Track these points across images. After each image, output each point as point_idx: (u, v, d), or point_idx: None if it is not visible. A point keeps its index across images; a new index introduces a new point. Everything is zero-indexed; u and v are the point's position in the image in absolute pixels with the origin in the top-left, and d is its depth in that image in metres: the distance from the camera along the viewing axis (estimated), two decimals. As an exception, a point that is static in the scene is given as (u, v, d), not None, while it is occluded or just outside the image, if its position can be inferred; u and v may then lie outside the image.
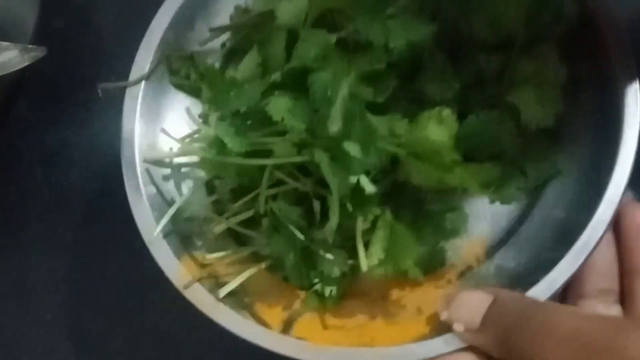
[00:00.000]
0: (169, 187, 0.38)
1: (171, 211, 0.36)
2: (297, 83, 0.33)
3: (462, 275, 0.37)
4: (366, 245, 0.33)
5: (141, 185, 0.37)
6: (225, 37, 0.40)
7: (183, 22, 0.39)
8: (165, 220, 0.36)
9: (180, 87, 0.39)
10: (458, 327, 0.31)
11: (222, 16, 0.40)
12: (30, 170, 0.46)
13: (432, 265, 0.36)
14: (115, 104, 0.46)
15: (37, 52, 0.42)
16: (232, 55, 0.40)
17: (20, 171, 0.46)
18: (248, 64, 0.36)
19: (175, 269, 0.35)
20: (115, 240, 0.43)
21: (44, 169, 0.46)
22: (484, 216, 0.37)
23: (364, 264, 0.33)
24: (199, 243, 0.37)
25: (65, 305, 0.43)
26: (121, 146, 0.37)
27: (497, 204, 0.36)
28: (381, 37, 0.33)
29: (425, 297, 0.35)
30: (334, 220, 0.32)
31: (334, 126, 0.31)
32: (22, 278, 0.44)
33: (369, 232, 0.33)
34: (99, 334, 0.42)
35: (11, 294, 0.44)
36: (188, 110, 0.39)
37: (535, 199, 0.37)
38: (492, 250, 0.37)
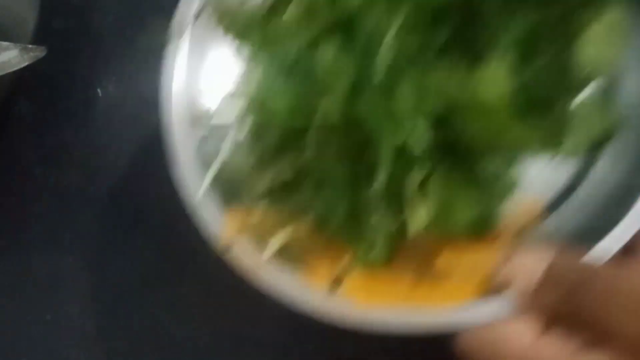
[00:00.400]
0: (210, 147, 0.36)
1: (214, 168, 0.35)
2: (343, 32, 0.32)
3: (516, 237, 0.34)
4: (416, 204, 0.32)
5: (182, 144, 0.35)
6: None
7: None
8: (209, 178, 0.34)
9: (227, 30, 0.37)
10: (514, 289, 0.30)
11: None
12: (29, 170, 0.46)
13: (485, 227, 0.34)
14: (115, 104, 0.47)
15: (37, 52, 0.42)
16: (274, 9, 0.37)
17: (20, 171, 0.46)
18: (292, 11, 0.34)
19: (218, 229, 0.33)
20: (115, 240, 0.43)
21: (43, 169, 0.46)
22: (539, 176, 0.35)
23: (414, 222, 0.31)
24: (242, 203, 0.35)
25: (65, 306, 0.43)
26: (162, 104, 0.36)
27: (553, 163, 0.34)
28: None
29: (478, 259, 0.33)
30: (382, 175, 0.31)
31: (379, 77, 0.29)
32: (22, 278, 0.44)
33: (420, 192, 0.32)
34: (99, 334, 0.42)
35: (11, 294, 0.44)
36: (229, 68, 0.37)
37: (594, 158, 0.35)
38: (547, 211, 0.35)
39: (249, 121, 0.34)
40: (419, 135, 0.30)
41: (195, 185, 0.34)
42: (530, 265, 0.30)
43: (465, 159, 0.34)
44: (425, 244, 0.34)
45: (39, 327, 0.42)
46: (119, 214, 0.44)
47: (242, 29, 0.36)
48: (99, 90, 0.47)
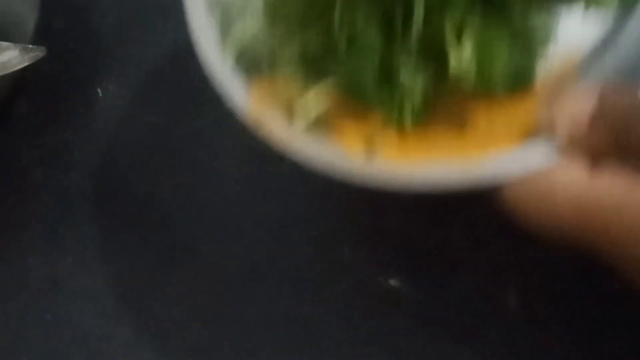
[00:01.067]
0: (234, 19, 0.35)
1: (236, 37, 0.34)
2: None
3: (554, 93, 0.32)
4: (455, 49, 0.31)
5: (205, 17, 0.34)
6: None
7: None
8: (233, 43, 0.33)
9: None
10: (562, 130, 0.28)
11: None
12: (30, 170, 0.46)
13: (522, 81, 0.33)
14: (116, 105, 0.47)
15: (37, 52, 0.42)
16: None
17: (20, 171, 0.46)
18: None
19: (245, 102, 0.32)
20: (115, 240, 0.43)
21: (43, 169, 0.46)
22: (574, 27, 0.33)
23: (455, 66, 0.30)
24: (267, 75, 0.34)
25: (65, 306, 0.43)
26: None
27: (588, 15, 0.32)
28: None
29: (518, 111, 0.32)
30: (417, 20, 0.30)
31: None
32: (22, 278, 0.44)
33: (457, 38, 0.31)
34: (99, 335, 0.42)
35: (11, 294, 0.44)
36: None
37: (630, 9, 0.33)
38: (586, 64, 0.33)
39: None
40: None
41: (218, 61, 0.33)
42: (575, 104, 0.28)
43: (500, 6, 0.32)
44: (461, 100, 0.33)
45: (38, 327, 0.42)
46: (119, 214, 0.44)
47: None
48: (99, 90, 0.47)
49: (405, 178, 0.30)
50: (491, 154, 0.30)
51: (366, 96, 0.33)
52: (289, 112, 0.33)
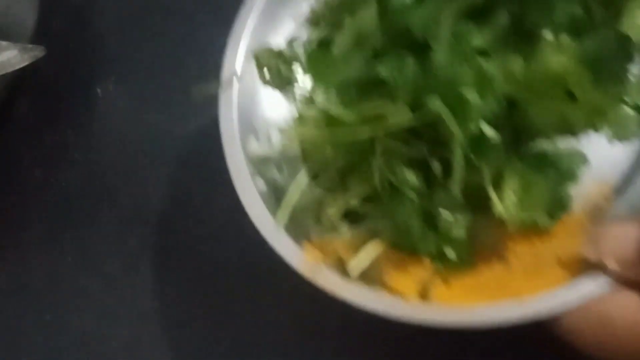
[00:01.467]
0: (276, 178, 0.37)
1: (288, 201, 0.35)
2: (398, 42, 0.32)
3: (592, 217, 0.34)
4: (499, 191, 0.31)
5: (250, 182, 0.35)
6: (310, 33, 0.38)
7: (267, 18, 0.38)
8: (285, 211, 0.34)
9: (270, 83, 0.38)
10: (611, 263, 0.28)
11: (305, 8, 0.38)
12: (29, 170, 0.46)
13: (560, 208, 0.33)
14: (116, 105, 0.47)
15: (36, 52, 0.42)
16: (322, 43, 0.37)
17: (20, 171, 0.46)
18: (343, 38, 0.34)
19: (299, 256, 0.33)
20: (115, 240, 0.43)
21: (43, 169, 0.46)
22: (605, 155, 0.34)
23: (501, 208, 0.31)
24: (314, 229, 0.36)
25: (65, 306, 0.43)
26: (224, 145, 0.37)
27: (617, 142, 0.32)
28: None
29: (559, 244, 0.33)
30: (458, 172, 0.31)
31: (442, 70, 0.30)
32: (22, 278, 0.44)
33: (498, 179, 0.31)
34: (99, 335, 0.42)
35: (11, 294, 0.44)
36: (281, 104, 0.38)
37: None
38: (621, 188, 0.34)
39: (313, 149, 0.34)
40: (489, 118, 0.30)
41: (271, 226, 0.34)
42: (621, 236, 0.29)
43: (533, 140, 0.33)
44: (504, 236, 0.34)
45: (38, 327, 0.42)
46: (118, 214, 0.44)
47: (288, 71, 0.37)
48: (98, 90, 0.47)
49: (459, 317, 0.31)
50: (542, 289, 0.30)
51: (412, 244, 0.34)
52: (341, 263, 0.34)
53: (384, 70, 0.31)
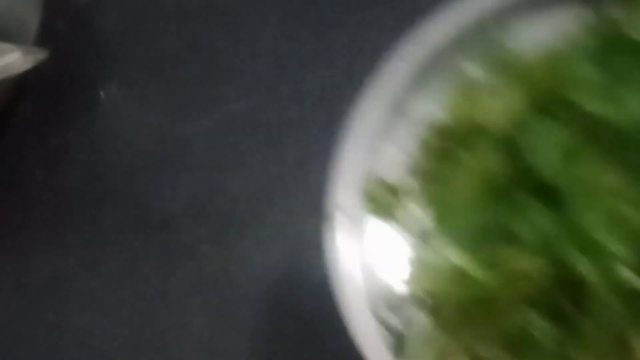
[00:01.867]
0: (393, 319, 0.35)
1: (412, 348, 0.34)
2: (522, 185, 0.31)
3: None
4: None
5: (369, 323, 0.34)
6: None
7: (369, 149, 0.37)
8: None
9: (379, 213, 0.36)
10: None
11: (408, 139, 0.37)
12: (32, 171, 0.46)
13: None
14: (118, 107, 0.47)
15: (39, 54, 0.42)
16: (427, 175, 0.36)
17: (23, 173, 0.46)
18: (465, 179, 0.33)
19: None
20: (117, 240, 0.44)
21: (46, 170, 0.46)
22: None
23: None
24: None
25: (66, 306, 0.43)
26: (338, 285, 0.35)
27: None
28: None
29: None
30: (598, 314, 0.30)
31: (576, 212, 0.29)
32: (24, 279, 0.44)
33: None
34: (99, 335, 0.42)
35: (13, 294, 0.44)
36: (392, 238, 0.36)
37: None
38: None
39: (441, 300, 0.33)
40: (629, 263, 0.29)
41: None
42: None
43: None
44: None
45: (39, 327, 0.43)
46: (119, 215, 0.44)
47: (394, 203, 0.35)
48: (101, 92, 0.47)
49: None
50: None
51: None
52: None
53: (517, 224, 0.30)
